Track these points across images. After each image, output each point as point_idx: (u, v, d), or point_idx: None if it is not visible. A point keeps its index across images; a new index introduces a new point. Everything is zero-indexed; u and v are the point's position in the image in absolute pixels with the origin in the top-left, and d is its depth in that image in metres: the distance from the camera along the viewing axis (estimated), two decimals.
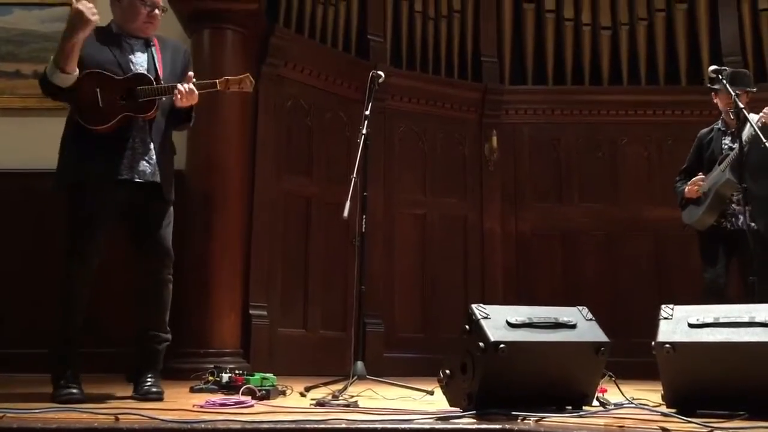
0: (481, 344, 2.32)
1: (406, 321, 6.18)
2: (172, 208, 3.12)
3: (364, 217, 3.75)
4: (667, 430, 2.03)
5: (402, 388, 3.44)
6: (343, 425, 2.07)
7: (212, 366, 3.58)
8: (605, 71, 6.79)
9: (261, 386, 3.03)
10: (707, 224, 4.13)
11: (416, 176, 6.47)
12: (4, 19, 5.39)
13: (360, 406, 2.62)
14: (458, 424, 2.13)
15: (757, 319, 2.37)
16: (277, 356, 5.14)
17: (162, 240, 3.05)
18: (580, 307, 2.65)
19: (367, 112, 3.84)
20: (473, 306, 2.45)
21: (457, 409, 2.38)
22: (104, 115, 2.90)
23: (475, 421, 2.17)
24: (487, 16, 6.90)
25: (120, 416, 2.09)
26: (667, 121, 6.57)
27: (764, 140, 3.55)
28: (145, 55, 3.10)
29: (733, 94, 3.76)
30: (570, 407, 2.48)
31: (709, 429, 2.01)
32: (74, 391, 2.76)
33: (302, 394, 3.21)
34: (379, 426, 2.05)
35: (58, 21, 5.29)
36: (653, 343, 2.49)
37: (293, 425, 2.06)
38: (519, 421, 2.14)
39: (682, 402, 2.43)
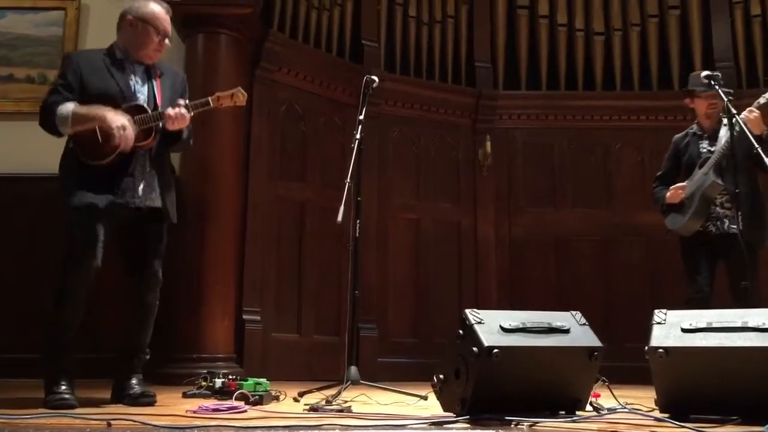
0: (474, 349, 2.33)
1: (400, 326, 6.18)
2: (165, 226, 3.16)
3: (357, 221, 3.74)
4: None
5: (396, 393, 3.44)
6: (337, 430, 2.06)
7: (205, 371, 3.55)
8: (598, 77, 6.81)
9: (254, 391, 3.03)
10: (694, 229, 4.09)
11: (410, 181, 6.47)
12: None
13: (354, 411, 2.63)
14: (452, 429, 2.14)
15: (750, 324, 2.37)
16: (271, 361, 5.13)
17: (153, 265, 3.09)
18: (574, 312, 2.66)
19: (361, 117, 3.84)
20: (467, 311, 2.46)
21: (451, 414, 2.38)
22: (103, 151, 2.91)
23: (468, 426, 2.17)
24: (481, 22, 6.92)
25: (112, 422, 2.09)
26: (661, 127, 6.56)
27: (755, 142, 3.53)
28: (146, 84, 3.12)
29: (725, 99, 3.75)
30: (563, 412, 2.49)
31: None
32: (67, 396, 2.75)
33: (296, 399, 3.20)
34: (372, 431, 2.05)
35: (51, 25, 5.29)
36: (646, 347, 2.50)
37: (287, 430, 2.05)
38: (512, 426, 2.15)
39: (675, 407, 2.44)
